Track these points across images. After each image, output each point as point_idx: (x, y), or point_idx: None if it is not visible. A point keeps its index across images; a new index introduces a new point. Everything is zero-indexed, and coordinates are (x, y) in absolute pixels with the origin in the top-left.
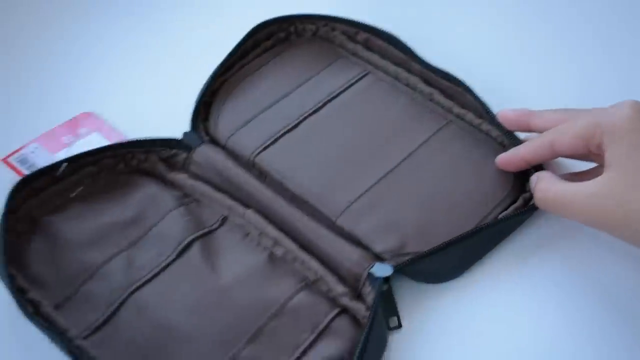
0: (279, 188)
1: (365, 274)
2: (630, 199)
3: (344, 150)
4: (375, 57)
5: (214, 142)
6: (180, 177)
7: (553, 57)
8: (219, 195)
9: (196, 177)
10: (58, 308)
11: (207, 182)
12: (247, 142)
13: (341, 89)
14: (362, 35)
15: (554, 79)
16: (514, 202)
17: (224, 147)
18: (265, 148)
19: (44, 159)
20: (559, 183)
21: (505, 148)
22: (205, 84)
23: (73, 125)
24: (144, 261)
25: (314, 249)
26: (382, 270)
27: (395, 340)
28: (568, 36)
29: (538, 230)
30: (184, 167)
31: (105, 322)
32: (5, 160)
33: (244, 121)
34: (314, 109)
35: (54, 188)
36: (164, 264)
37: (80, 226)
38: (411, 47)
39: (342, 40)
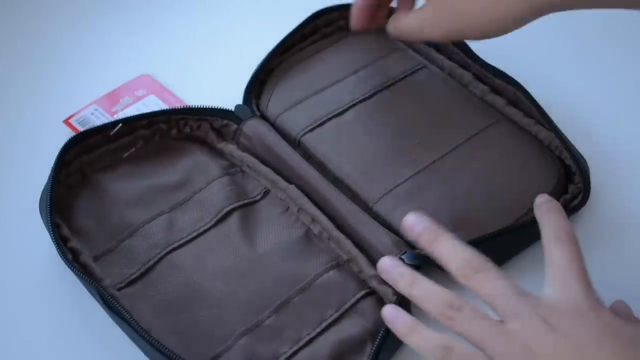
0: (321, 169)
1: None
2: None
3: (388, 139)
4: (431, 51)
5: (264, 118)
6: (230, 148)
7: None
8: (263, 169)
9: (244, 148)
10: (97, 259)
11: (254, 154)
12: (295, 122)
13: (394, 80)
14: None
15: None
16: None
17: (272, 125)
18: (312, 129)
19: (102, 120)
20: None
21: (551, 151)
22: (262, 61)
23: (131, 87)
24: (184, 224)
25: (349, 230)
26: (413, 258)
27: None
28: None
29: None
30: (234, 138)
31: (139, 277)
32: (66, 121)
33: (295, 102)
34: (364, 97)
35: (107, 147)
36: (202, 229)
37: (128, 186)
38: (467, 44)
39: None
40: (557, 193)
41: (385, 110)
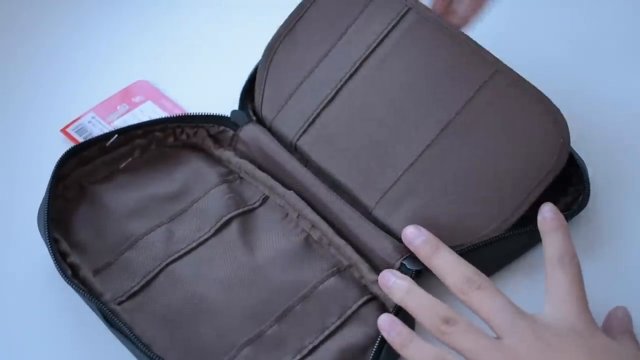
0: (319, 174)
1: (397, 265)
2: None
3: (380, 127)
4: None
5: (260, 122)
6: (227, 154)
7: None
8: (262, 175)
9: (242, 155)
10: (97, 273)
11: (251, 160)
12: (289, 124)
13: (382, 36)
14: None
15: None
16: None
17: (269, 129)
18: (305, 130)
19: (100, 128)
20: None
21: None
22: (257, 65)
23: (127, 93)
24: (183, 235)
25: (349, 236)
26: (414, 263)
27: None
28: None
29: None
30: (231, 145)
31: (140, 290)
32: (64, 130)
33: (285, 98)
34: (351, 72)
35: (104, 158)
36: (202, 239)
37: (126, 197)
38: None
39: None
40: (561, 160)
41: (374, 84)
